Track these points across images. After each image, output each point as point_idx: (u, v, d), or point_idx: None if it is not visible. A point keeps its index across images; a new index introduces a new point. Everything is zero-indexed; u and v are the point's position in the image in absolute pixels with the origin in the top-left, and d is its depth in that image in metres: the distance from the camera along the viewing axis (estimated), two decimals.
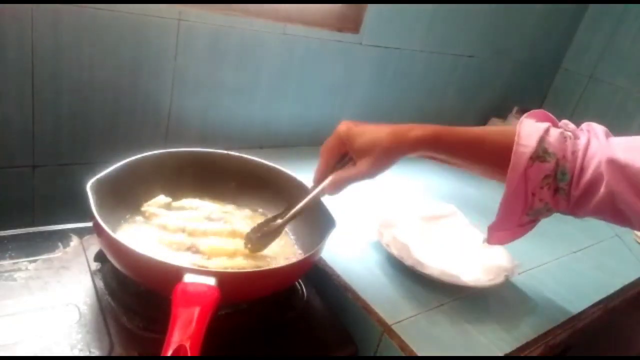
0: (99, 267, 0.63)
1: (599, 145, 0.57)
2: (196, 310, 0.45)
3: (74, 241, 0.67)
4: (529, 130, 0.59)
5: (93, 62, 0.80)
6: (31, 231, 0.67)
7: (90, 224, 0.59)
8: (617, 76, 1.57)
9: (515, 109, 1.48)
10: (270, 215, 0.67)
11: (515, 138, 0.58)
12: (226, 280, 0.50)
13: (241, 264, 0.63)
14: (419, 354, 0.60)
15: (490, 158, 0.61)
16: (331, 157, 0.63)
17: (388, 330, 0.63)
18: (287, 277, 0.62)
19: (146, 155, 0.69)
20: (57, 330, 0.53)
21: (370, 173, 0.60)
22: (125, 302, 0.58)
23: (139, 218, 0.68)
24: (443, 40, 1.28)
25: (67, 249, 0.66)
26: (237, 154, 0.77)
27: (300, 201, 0.65)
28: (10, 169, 0.80)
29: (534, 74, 1.66)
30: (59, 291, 0.59)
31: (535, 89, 1.72)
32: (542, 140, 0.57)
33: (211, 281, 0.49)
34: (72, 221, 0.70)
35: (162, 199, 0.71)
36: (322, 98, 1.14)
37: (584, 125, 0.61)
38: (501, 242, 0.66)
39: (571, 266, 0.90)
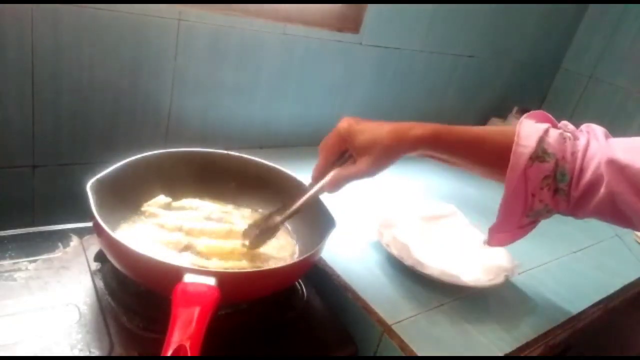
0: (99, 267, 0.63)
1: (599, 146, 0.57)
2: (196, 310, 0.45)
3: (74, 241, 0.67)
4: (529, 130, 0.59)
5: (93, 62, 0.80)
6: (31, 231, 0.67)
7: (90, 224, 0.59)
8: (617, 76, 1.57)
9: (515, 109, 1.48)
10: (268, 212, 0.67)
11: (515, 138, 0.58)
12: (226, 280, 0.50)
13: (241, 264, 0.63)
14: (419, 354, 0.60)
15: (490, 158, 0.61)
16: (331, 154, 0.63)
17: (388, 330, 0.63)
18: (287, 277, 0.62)
19: (146, 155, 0.69)
20: (57, 330, 0.53)
21: (370, 172, 0.60)
22: (125, 302, 0.58)
23: (139, 218, 0.68)
24: (443, 40, 1.28)
25: (67, 249, 0.66)
26: (237, 154, 0.77)
27: (299, 199, 0.65)
28: (10, 169, 0.80)
29: (534, 74, 1.66)
30: (59, 291, 0.59)
31: (535, 89, 1.72)
32: (541, 140, 0.57)
33: (211, 281, 0.49)
34: (72, 221, 0.70)
35: (162, 199, 0.71)
36: (322, 98, 1.14)
37: (584, 127, 0.61)
38: (501, 243, 0.66)
39: (571, 266, 0.90)
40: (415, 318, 0.66)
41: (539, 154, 0.57)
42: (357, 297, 0.68)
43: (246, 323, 0.62)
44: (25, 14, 0.71)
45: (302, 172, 0.73)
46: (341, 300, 0.69)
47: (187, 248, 0.63)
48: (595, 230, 1.03)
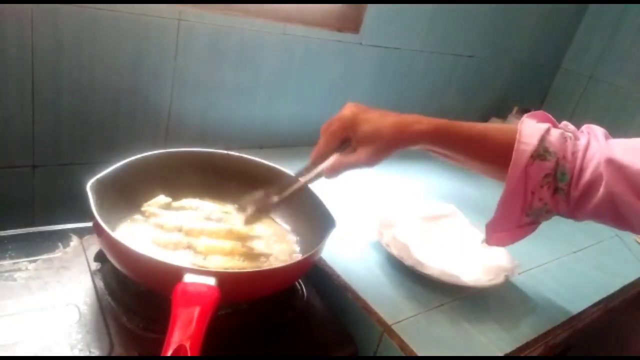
0: (99, 267, 0.63)
1: (599, 147, 0.57)
2: (196, 310, 0.45)
3: (74, 241, 0.67)
4: (531, 129, 0.59)
5: (93, 62, 0.80)
6: (31, 231, 0.67)
7: (90, 224, 0.59)
8: (617, 76, 1.57)
9: (515, 109, 1.48)
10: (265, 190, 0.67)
11: (517, 136, 0.58)
12: (226, 280, 0.50)
13: (241, 264, 0.63)
14: (419, 354, 0.60)
15: (491, 155, 0.61)
16: (332, 140, 0.63)
17: (388, 330, 0.63)
18: (287, 277, 0.62)
19: (146, 155, 0.69)
20: (57, 330, 0.53)
21: (370, 162, 0.61)
22: (125, 302, 0.58)
23: (139, 218, 0.68)
24: (443, 40, 1.28)
25: (67, 249, 0.66)
26: (237, 154, 0.77)
27: (298, 181, 0.65)
28: (10, 169, 0.80)
29: (534, 74, 1.66)
30: (59, 291, 0.59)
31: (535, 89, 1.72)
32: (543, 139, 0.58)
33: (211, 281, 0.49)
34: (72, 221, 0.70)
35: (162, 199, 0.71)
36: (322, 98, 1.14)
37: (584, 127, 0.62)
38: (500, 243, 0.66)
39: (571, 266, 0.90)
40: (415, 318, 0.66)
41: (541, 152, 0.57)
42: (357, 297, 0.68)
43: (246, 323, 0.62)
44: (25, 14, 0.71)
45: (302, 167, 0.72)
46: (341, 300, 0.69)
47: (187, 248, 0.63)
48: (595, 230, 1.03)
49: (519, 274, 0.77)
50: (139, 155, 0.68)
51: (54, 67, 0.77)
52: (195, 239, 0.64)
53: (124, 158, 0.66)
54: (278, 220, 0.76)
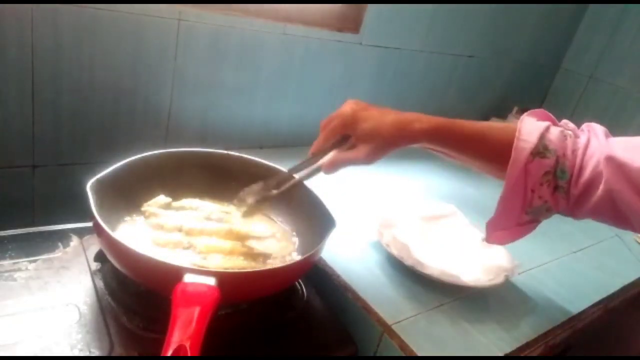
0: (99, 267, 0.63)
1: (599, 145, 0.57)
2: (196, 310, 0.45)
3: (74, 241, 0.67)
4: (530, 127, 0.59)
5: (93, 62, 0.80)
6: (31, 231, 0.67)
7: (90, 224, 0.59)
8: (617, 76, 1.57)
9: (515, 109, 1.48)
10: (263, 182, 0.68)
11: (516, 134, 0.58)
12: (226, 280, 0.50)
13: (241, 264, 0.63)
14: (419, 354, 0.60)
15: (491, 154, 0.61)
16: (332, 136, 0.63)
17: (388, 330, 0.63)
18: (287, 277, 0.62)
19: (146, 155, 0.69)
20: (57, 330, 0.53)
21: (369, 160, 0.61)
22: (125, 302, 0.58)
23: (139, 218, 0.68)
24: (443, 40, 1.28)
25: (67, 249, 0.66)
26: (237, 154, 0.77)
27: (296, 175, 0.66)
28: (10, 169, 0.80)
29: (534, 74, 1.66)
30: (59, 291, 0.59)
31: (535, 89, 1.72)
32: (542, 137, 0.58)
33: (211, 281, 0.49)
34: (72, 221, 0.70)
35: (162, 199, 0.71)
36: (322, 98, 1.14)
37: (584, 125, 0.62)
38: (500, 241, 0.66)
39: (571, 266, 0.90)
40: (415, 318, 0.66)
41: (540, 149, 0.57)
42: (357, 297, 0.68)
43: (246, 323, 0.62)
44: (25, 14, 0.71)
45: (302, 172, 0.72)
46: (341, 300, 0.69)
47: (187, 248, 0.63)
48: (595, 230, 1.03)
49: (519, 274, 0.77)
50: (139, 155, 0.68)
51: (54, 67, 0.77)
52: (195, 238, 0.64)
53: (124, 158, 0.66)
54: (278, 220, 0.76)
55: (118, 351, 0.53)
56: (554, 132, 0.59)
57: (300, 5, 0.99)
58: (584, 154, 0.57)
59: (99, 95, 0.83)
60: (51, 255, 0.64)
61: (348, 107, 0.62)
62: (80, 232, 0.69)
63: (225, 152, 0.77)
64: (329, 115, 0.64)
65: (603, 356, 1.07)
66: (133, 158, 0.67)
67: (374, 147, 0.60)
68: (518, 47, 1.51)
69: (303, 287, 0.70)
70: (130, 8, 0.79)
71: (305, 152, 0.66)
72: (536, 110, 0.63)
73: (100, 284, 0.61)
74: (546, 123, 0.60)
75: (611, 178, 0.54)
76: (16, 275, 0.59)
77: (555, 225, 1.00)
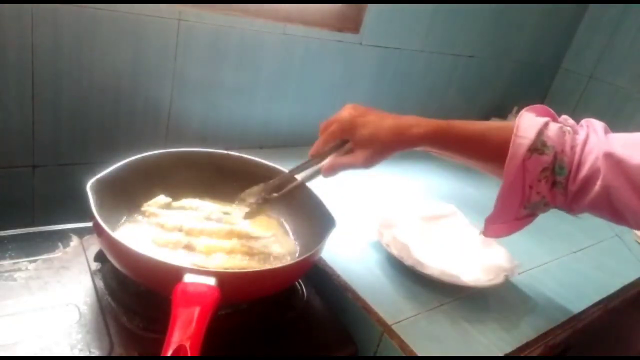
0: (99, 267, 0.63)
1: (598, 141, 0.57)
2: (196, 310, 0.45)
3: (74, 241, 0.67)
4: (528, 123, 0.59)
5: (93, 62, 0.80)
6: (31, 231, 0.67)
7: (90, 224, 0.59)
8: (617, 76, 1.57)
9: (515, 109, 1.48)
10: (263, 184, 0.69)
11: (514, 130, 0.58)
12: (226, 280, 0.50)
13: (241, 263, 0.63)
14: (419, 354, 0.60)
15: (491, 154, 0.61)
16: (330, 139, 0.64)
17: (388, 330, 0.63)
18: (287, 277, 0.62)
19: (146, 155, 0.69)
20: (57, 330, 0.53)
21: (367, 164, 0.61)
22: (125, 302, 0.58)
23: (139, 218, 0.68)
24: (443, 40, 1.28)
25: (67, 249, 0.66)
26: (237, 154, 0.77)
27: (296, 179, 0.67)
28: (10, 169, 0.80)
29: (534, 74, 1.66)
30: (59, 291, 0.59)
31: (535, 89, 1.72)
32: (540, 133, 0.58)
33: (211, 281, 0.49)
34: (72, 221, 0.70)
35: (162, 199, 0.71)
36: (322, 98, 1.14)
37: (584, 121, 0.62)
38: (498, 234, 0.66)
39: (571, 266, 0.90)
40: (415, 318, 0.66)
41: (538, 146, 0.57)
42: (357, 297, 0.68)
43: (246, 323, 0.62)
44: (25, 14, 0.71)
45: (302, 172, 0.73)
46: (341, 300, 0.69)
47: (187, 248, 0.63)
48: (595, 230, 1.03)
49: (519, 274, 0.77)
50: (139, 155, 0.68)
51: (53, 67, 0.77)
52: (195, 238, 0.64)
53: (124, 158, 0.66)
54: (278, 220, 0.76)
55: (118, 351, 0.53)
56: (553, 129, 0.59)
57: (300, 5, 0.99)
58: (582, 150, 0.57)
59: (99, 95, 0.83)
60: (51, 255, 0.64)
61: (346, 112, 0.63)
62: (80, 232, 0.69)
63: (225, 152, 0.77)
64: (328, 119, 0.64)
65: (603, 356, 1.07)
66: (133, 158, 0.67)
67: (373, 152, 0.61)
68: (518, 47, 1.51)
69: (303, 287, 0.70)
70: (130, 8, 0.79)
71: (305, 152, 0.66)
72: (536, 105, 0.63)
73: (100, 284, 0.61)
74: (545, 119, 0.60)
75: (608, 175, 0.54)
76: (16, 275, 0.59)
77: (555, 226, 1.01)
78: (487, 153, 0.61)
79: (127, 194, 0.67)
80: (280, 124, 1.11)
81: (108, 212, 0.59)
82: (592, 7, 1.61)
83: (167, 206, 0.71)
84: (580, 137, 0.58)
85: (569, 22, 1.63)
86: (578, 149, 0.57)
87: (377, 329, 0.65)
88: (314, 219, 0.70)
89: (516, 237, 0.67)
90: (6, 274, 0.59)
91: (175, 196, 0.72)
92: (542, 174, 0.58)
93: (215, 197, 0.76)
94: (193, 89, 0.93)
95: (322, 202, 0.70)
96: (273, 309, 0.64)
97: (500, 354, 0.64)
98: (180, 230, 0.66)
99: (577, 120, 0.63)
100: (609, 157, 0.54)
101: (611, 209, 0.56)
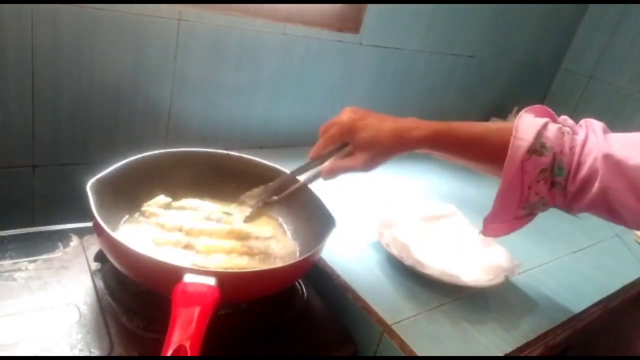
0: (99, 267, 0.63)
1: (597, 141, 0.57)
2: (196, 310, 0.45)
3: (74, 241, 0.67)
4: (527, 124, 0.59)
5: (93, 62, 0.80)
6: (31, 231, 0.67)
7: (90, 224, 0.59)
8: (617, 76, 1.57)
9: (515, 109, 1.48)
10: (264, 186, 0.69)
11: (513, 132, 0.58)
12: (226, 280, 0.50)
13: (241, 263, 0.63)
14: (419, 354, 0.60)
15: (491, 156, 0.61)
16: (330, 142, 0.64)
17: (388, 330, 0.63)
18: (287, 277, 0.62)
19: (146, 155, 0.69)
20: (57, 330, 0.53)
21: (366, 168, 0.62)
22: (125, 302, 0.58)
23: (139, 218, 0.68)
24: (443, 40, 1.28)
25: (67, 249, 0.66)
26: (237, 154, 0.77)
27: (297, 182, 0.67)
28: (10, 169, 0.80)
29: (534, 74, 1.66)
30: (59, 291, 0.59)
31: (535, 89, 1.72)
32: (539, 134, 0.58)
33: (211, 281, 0.49)
34: (72, 221, 0.70)
35: (162, 199, 0.71)
36: (322, 98, 1.14)
37: (583, 121, 0.62)
38: (497, 234, 0.66)
39: (571, 266, 0.90)
40: (415, 318, 0.66)
41: (537, 147, 0.57)
42: (357, 297, 0.68)
43: (246, 323, 0.62)
44: (25, 14, 0.71)
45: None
46: (341, 300, 0.69)
47: (187, 248, 0.63)
48: (595, 230, 1.03)
49: (519, 274, 0.77)
50: (139, 155, 0.68)
51: (53, 67, 0.77)
52: (196, 238, 0.64)
53: (124, 158, 0.66)
54: (278, 220, 0.76)
55: (118, 351, 0.53)
56: (552, 130, 0.59)
57: (300, 5, 0.99)
58: (581, 150, 0.57)
59: (99, 95, 0.83)
60: (51, 255, 0.64)
61: (346, 115, 0.63)
62: (80, 232, 0.69)
63: (225, 152, 0.77)
64: (328, 121, 0.65)
65: (603, 356, 1.07)
66: (133, 158, 0.67)
67: (373, 155, 0.61)
68: (518, 47, 1.51)
69: (303, 287, 0.70)
70: (130, 8, 0.79)
71: (305, 152, 0.66)
72: (535, 106, 0.63)
73: (100, 284, 0.61)
74: (544, 120, 0.60)
75: (606, 176, 0.54)
76: (16, 275, 0.59)
77: (555, 226, 1.01)
78: (487, 155, 0.61)
79: (127, 194, 0.67)
80: (280, 124, 1.11)
81: (108, 212, 0.59)
82: (592, 7, 1.61)
83: (167, 206, 0.71)
84: (580, 138, 0.58)
85: (569, 22, 1.63)
86: (577, 150, 0.57)
87: (377, 329, 0.65)
88: (314, 219, 0.70)
89: (516, 237, 0.67)
90: (6, 274, 0.59)
91: (175, 196, 0.72)
92: (540, 175, 0.58)
93: (215, 197, 0.76)
94: (193, 89, 0.93)
95: (322, 202, 0.70)
96: (273, 309, 0.64)
97: (500, 354, 0.64)
98: (180, 230, 0.66)
99: (577, 121, 0.63)
100: (608, 158, 0.55)
101: (609, 209, 0.56)
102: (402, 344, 0.62)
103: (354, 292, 0.68)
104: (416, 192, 1.07)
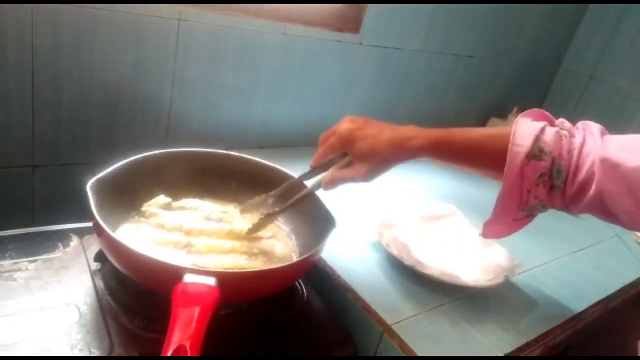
0: (99, 267, 0.63)
1: (594, 144, 0.57)
2: (196, 310, 0.45)
3: (74, 241, 0.67)
4: (525, 129, 0.59)
5: (93, 62, 0.80)
6: (31, 231, 0.67)
7: (90, 224, 0.59)
8: (617, 76, 1.57)
9: (515, 109, 1.48)
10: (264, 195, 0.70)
11: (511, 138, 0.59)
12: (226, 280, 0.50)
13: (241, 264, 0.63)
14: (419, 354, 0.60)
15: (489, 162, 0.62)
16: (330, 152, 0.65)
17: (388, 330, 0.63)
18: (287, 277, 0.62)
19: (146, 155, 0.69)
20: (57, 330, 0.53)
21: (366, 178, 0.62)
22: (125, 302, 0.58)
23: (139, 218, 0.68)
24: (443, 40, 1.28)
25: (67, 249, 0.66)
26: (237, 154, 0.77)
27: (298, 192, 0.67)
28: (10, 169, 0.80)
29: (534, 74, 1.66)
30: (59, 291, 0.59)
31: (535, 89, 1.72)
32: (537, 139, 0.58)
33: (211, 281, 0.49)
34: (72, 221, 0.70)
35: (162, 199, 0.71)
36: (322, 98, 1.14)
37: (580, 124, 0.62)
38: (497, 235, 0.66)
39: (571, 266, 0.90)
40: (415, 318, 0.66)
41: (535, 152, 0.58)
42: (357, 297, 0.68)
43: (246, 323, 0.62)
44: (25, 14, 0.71)
45: (302, 172, 0.72)
46: (341, 300, 0.69)
47: (187, 248, 0.63)
48: (595, 230, 1.03)
49: (519, 274, 0.77)
50: (139, 155, 0.68)
51: (54, 67, 0.77)
52: (196, 238, 0.65)
53: (124, 158, 0.66)
54: (278, 220, 0.76)
55: (118, 351, 0.53)
56: (549, 134, 0.59)
57: (300, 5, 0.99)
58: (579, 153, 0.57)
59: (98, 96, 0.83)
60: (51, 255, 0.64)
61: (344, 126, 0.63)
62: (80, 232, 0.69)
63: (225, 152, 0.77)
64: (327, 131, 0.65)
65: (603, 356, 1.07)
66: (133, 158, 0.67)
67: (372, 166, 0.61)
68: (518, 47, 1.51)
69: (303, 287, 0.70)
70: (130, 8, 0.79)
71: (305, 152, 0.66)
72: (532, 110, 0.63)
73: (100, 284, 0.61)
74: (541, 124, 0.60)
75: (602, 179, 0.55)
76: (16, 275, 0.59)
77: (555, 225, 1.01)
78: (486, 162, 0.62)
79: (127, 194, 0.67)
80: (280, 124, 1.11)
81: (108, 212, 0.59)
82: (592, 7, 1.61)
83: (167, 206, 0.71)
84: (577, 141, 0.58)
85: (569, 22, 1.63)
86: (575, 153, 0.58)
87: (377, 329, 0.65)
88: (314, 219, 0.70)
89: (516, 237, 0.67)
90: (6, 274, 0.59)
91: (175, 196, 0.72)
92: (540, 179, 0.58)
93: (215, 197, 0.76)
94: (193, 89, 0.93)
95: (322, 202, 0.70)
96: (273, 309, 0.64)
97: (500, 354, 0.64)
98: (180, 230, 0.66)
99: (575, 122, 0.63)
100: (604, 162, 0.55)
101: (605, 211, 0.57)
102: (402, 344, 0.62)
103: (354, 292, 0.68)
104: (416, 192, 1.07)
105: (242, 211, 0.72)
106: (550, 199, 0.60)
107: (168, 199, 0.71)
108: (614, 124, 0.62)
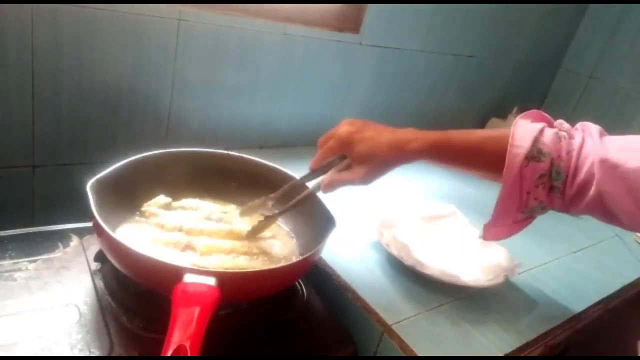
0: (99, 267, 0.63)
1: (593, 145, 0.57)
2: (196, 310, 0.45)
3: (74, 241, 0.67)
4: (524, 131, 0.59)
5: (93, 62, 0.80)
6: (31, 231, 0.67)
7: (90, 224, 0.59)
8: (617, 76, 1.57)
9: (515, 109, 1.48)
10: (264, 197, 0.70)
11: (509, 139, 0.59)
12: (226, 280, 0.50)
13: (241, 264, 0.63)
14: (419, 354, 0.60)
15: (488, 165, 0.62)
16: (329, 155, 0.65)
17: (388, 330, 0.63)
18: (287, 277, 0.62)
19: (146, 155, 0.69)
20: (57, 330, 0.53)
21: (365, 181, 0.62)
22: (125, 302, 0.58)
23: (139, 218, 0.68)
24: (443, 40, 1.28)
25: (67, 249, 0.66)
26: (237, 154, 0.77)
27: (297, 195, 0.67)
28: (10, 169, 0.80)
29: (534, 74, 1.66)
30: (59, 291, 0.59)
31: (535, 89, 1.72)
32: (536, 140, 0.58)
33: (211, 281, 0.49)
34: (72, 221, 0.70)
35: (162, 199, 0.71)
36: (322, 98, 1.14)
37: (579, 125, 0.62)
38: (497, 237, 0.66)
39: (571, 266, 0.90)
40: (415, 318, 0.66)
41: (534, 154, 0.58)
42: (357, 297, 0.68)
43: (246, 323, 0.62)
44: (25, 14, 0.71)
45: (302, 172, 0.72)
46: (341, 300, 0.69)
47: (187, 248, 0.63)
48: (595, 230, 1.03)
49: (519, 274, 0.77)
50: (139, 155, 0.68)
51: (54, 67, 0.77)
52: (196, 238, 0.64)
53: (124, 158, 0.66)
54: (278, 220, 0.76)
55: (118, 351, 0.53)
56: (548, 135, 0.59)
57: (300, 5, 0.99)
58: (579, 154, 0.57)
59: (99, 95, 0.83)
60: (51, 255, 0.64)
61: (343, 129, 0.63)
62: (80, 232, 0.69)
63: (225, 152, 0.77)
64: (326, 133, 0.65)
65: (603, 356, 1.07)
66: (133, 158, 0.67)
67: (370, 168, 0.61)
68: (518, 47, 1.51)
69: (303, 287, 0.70)
70: (130, 8, 0.79)
71: (305, 152, 0.66)
72: (531, 111, 0.63)
73: (100, 284, 0.61)
74: (540, 125, 0.60)
75: (602, 179, 0.55)
76: (16, 275, 0.59)
77: (555, 226, 1.01)
78: (485, 164, 0.62)
79: (127, 194, 0.67)
80: (280, 124, 1.11)
81: (108, 212, 0.59)
82: (592, 7, 1.61)
83: (167, 206, 0.71)
84: (576, 142, 0.58)
85: (569, 22, 1.63)
86: (574, 154, 0.58)
87: (377, 329, 0.65)
88: (314, 219, 0.70)
89: (516, 237, 0.67)
90: (6, 274, 0.59)
91: (175, 196, 0.72)
92: (539, 181, 0.58)
93: (215, 197, 0.76)
94: (193, 89, 0.93)
95: (322, 202, 0.70)
96: (273, 309, 0.64)
97: (500, 354, 0.64)
98: (180, 230, 0.66)
99: (574, 122, 0.63)
100: (604, 162, 0.55)
101: (605, 212, 0.57)
102: (402, 344, 0.62)
103: (354, 292, 0.68)
104: (416, 192, 1.07)
105: (242, 213, 0.71)
106: (549, 201, 0.60)
107: (168, 199, 0.71)
108: (614, 124, 0.62)
